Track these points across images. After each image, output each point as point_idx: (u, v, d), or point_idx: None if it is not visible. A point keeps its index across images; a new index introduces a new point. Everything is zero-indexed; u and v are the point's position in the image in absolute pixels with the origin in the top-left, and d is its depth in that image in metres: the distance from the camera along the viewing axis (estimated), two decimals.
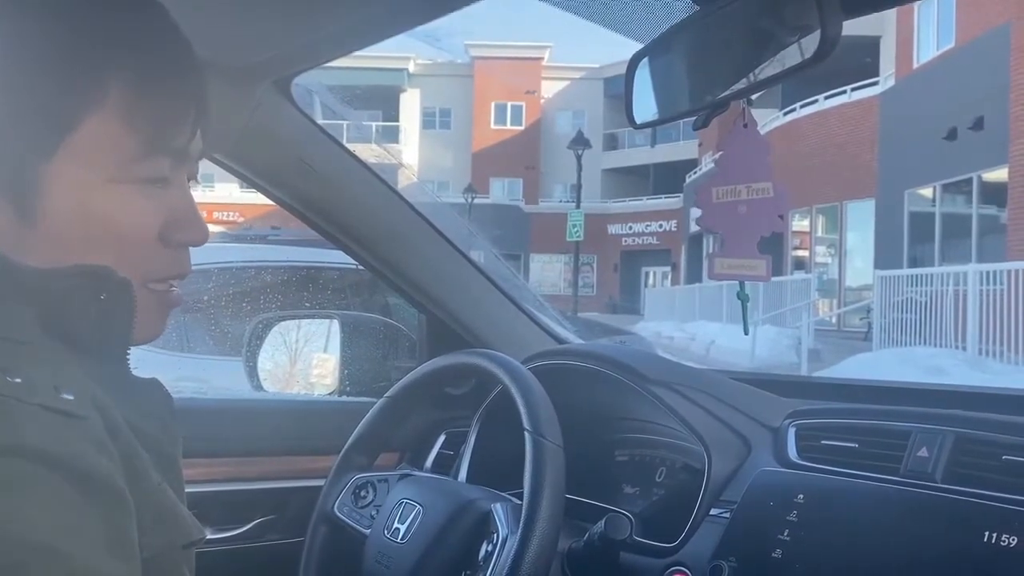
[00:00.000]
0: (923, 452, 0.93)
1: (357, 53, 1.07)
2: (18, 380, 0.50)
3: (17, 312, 0.56)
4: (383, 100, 29.15)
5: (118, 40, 0.58)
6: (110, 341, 0.61)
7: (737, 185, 0.90)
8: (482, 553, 0.96)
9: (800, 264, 16.81)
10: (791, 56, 0.74)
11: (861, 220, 15.29)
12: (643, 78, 0.89)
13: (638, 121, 0.91)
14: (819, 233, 16.95)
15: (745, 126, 0.89)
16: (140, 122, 0.58)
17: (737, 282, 0.93)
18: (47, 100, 0.56)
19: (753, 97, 0.84)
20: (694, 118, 0.88)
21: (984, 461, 0.90)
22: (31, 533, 0.45)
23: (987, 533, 0.82)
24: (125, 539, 0.50)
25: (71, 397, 0.51)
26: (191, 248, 0.65)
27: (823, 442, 1.03)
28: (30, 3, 0.57)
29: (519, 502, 0.95)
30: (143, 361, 0.69)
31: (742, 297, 0.95)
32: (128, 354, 0.63)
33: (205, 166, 1.03)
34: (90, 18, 0.57)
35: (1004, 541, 0.81)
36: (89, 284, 0.58)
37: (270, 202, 1.36)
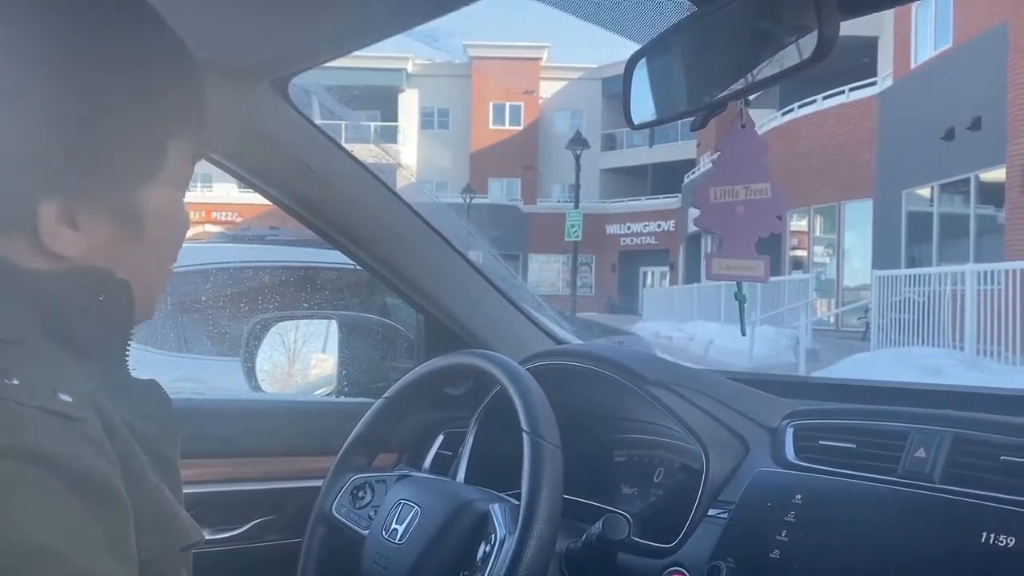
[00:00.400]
0: (921, 452, 0.93)
1: (355, 53, 1.07)
2: (16, 382, 0.50)
3: (16, 313, 0.56)
4: (381, 100, 29.15)
5: (179, 67, 0.64)
6: (109, 342, 0.61)
7: (735, 185, 0.90)
8: (480, 554, 0.96)
9: (798, 264, 16.83)
10: (789, 56, 0.74)
11: (859, 220, 15.31)
12: (641, 78, 0.89)
13: (636, 121, 0.91)
14: (817, 233, 16.97)
15: (743, 126, 0.89)
16: (196, 138, 0.66)
17: (735, 282, 0.93)
18: (149, 128, 0.62)
19: (751, 97, 0.84)
20: (692, 118, 0.88)
21: (982, 461, 0.90)
22: (29, 535, 0.45)
23: (985, 533, 0.82)
24: (123, 540, 0.50)
25: (69, 399, 0.51)
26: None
27: (821, 442, 1.03)
28: (126, 49, 0.61)
29: (517, 503, 0.95)
30: (141, 361, 0.69)
31: (739, 298, 0.95)
32: (127, 355, 0.63)
33: (203, 166, 1.03)
34: (161, 50, 0.62)
35: (1002, 541, 0.81)
36: (88, 285, 0.58)
37: (268, 202, 1.36)
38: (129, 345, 0.63)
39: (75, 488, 0.47)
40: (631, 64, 0.90)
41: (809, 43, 0.70)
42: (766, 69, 0.77)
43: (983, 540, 0.82)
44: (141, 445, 0.57)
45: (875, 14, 0.80)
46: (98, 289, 0.59)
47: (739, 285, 0.93)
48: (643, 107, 0.91)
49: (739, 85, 0.80)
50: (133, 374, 0.64)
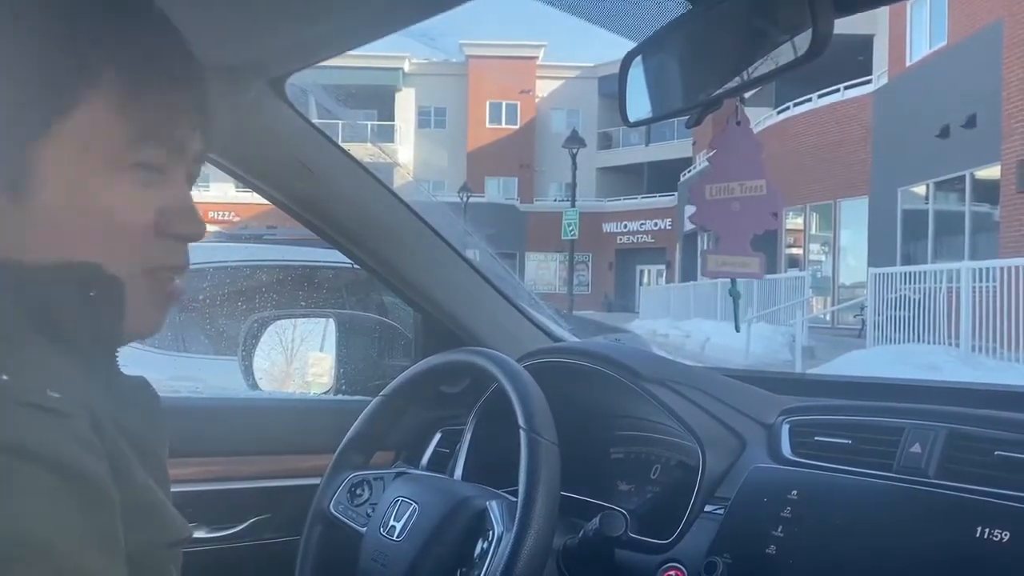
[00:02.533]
0: (916, 448, 0.94)
1: (352, 52, 1.07)
2: (4, 377, 0.50)
3: (4, 309, 0.56)
4: (378, 99, 29.12)
5: (108, 34, 0.59)
6: (98, 338, 0.60)
7: (730, 183, 0.91)
8: (478, 551, 0.97)
9: (794, 262, 16.84)
10: (784, 54, 0.74)
11: (855, 218, 15.33)
12: (637, 76, 0.90)
13: (632, 119, 0.91)
14: (813, 231, 16.98)
15: (738, 124, 0.89)
16: (132, 111, 0.59)
17: (730, 279, 0.94)
18: (36, 84, 0.57)
19: (746, 95, 0.85)
20: (687, 116, 0.88)
21: (977, 457, 0.90)
22: (17, 529, 0.45)
23: (979, 528, 0.82)
24: (111, 536, 0.50)
25: (58, 395, 0.51)
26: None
27: (817, 438, 1.04)
28: None
29: (514, 499, 0.95)
30: (138, 360, 0.69)
31: (734, 294, 0.95)
32: (116, 351, 0.63)
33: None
34: (81, 13, 0.58)
35: (996, 536, 0.81)
36: (78, 280, 0.58)
37: (266, 201, 1.36)
38: (119, 342, 0.63)
39: (64, 483, 0.48)
40: (626, 62, 0.90)
41: (804, 41, 0.70)
42: (761, 67, 0.77)
43: (978, 535, 0.82)
44: (129, 442, 0.57)
45: (870, 12, 0.81)
46: (87, 284, 0.58)
47: (733, 281, 0.94)
48: (639, 105, 0.91)
49: (734, 83, 0.80)
50: (125, 371, 0.64)
